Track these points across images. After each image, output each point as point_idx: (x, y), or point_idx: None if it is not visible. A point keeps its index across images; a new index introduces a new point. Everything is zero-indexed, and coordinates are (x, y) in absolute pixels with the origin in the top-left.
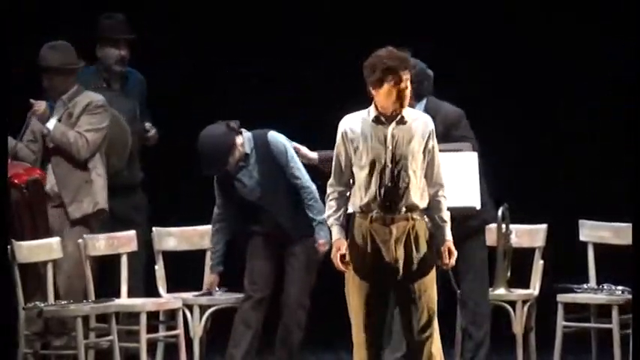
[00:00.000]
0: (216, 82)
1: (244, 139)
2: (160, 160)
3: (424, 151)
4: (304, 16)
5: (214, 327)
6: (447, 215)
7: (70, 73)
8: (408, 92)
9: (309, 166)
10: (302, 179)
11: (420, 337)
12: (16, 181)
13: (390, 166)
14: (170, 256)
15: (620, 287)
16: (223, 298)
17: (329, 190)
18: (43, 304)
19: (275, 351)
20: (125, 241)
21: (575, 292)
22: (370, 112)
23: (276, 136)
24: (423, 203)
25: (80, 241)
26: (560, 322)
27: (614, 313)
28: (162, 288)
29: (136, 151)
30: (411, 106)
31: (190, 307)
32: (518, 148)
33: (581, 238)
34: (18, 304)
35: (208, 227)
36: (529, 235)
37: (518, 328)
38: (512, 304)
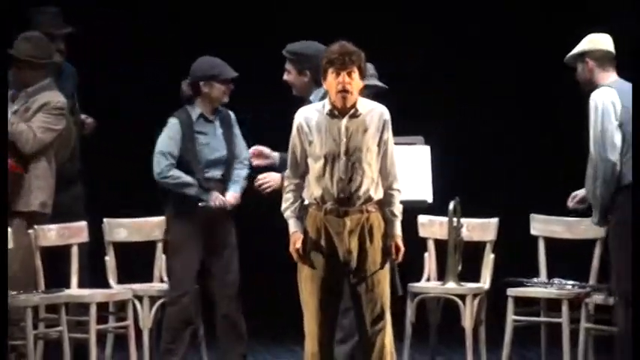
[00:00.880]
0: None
1: None
2: (108, 152)
3: (379, 143)
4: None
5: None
6: (398, 209)
7: (37, 67)
8: (352, 85)
9: (270, 168)
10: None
11: (372, 329)
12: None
13: (344, 158)
14: (121, 248)
15: (570, 282)
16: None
17: (285, 182)
18: None
19: (222, 345)
20: (76, 231)
21: (526, 286)
22: (325, 105)
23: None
24: (377, 195)
25: (31, 231)
26: (510, 316)
27: (564, 307)
28: (112, 279)
29: (77, 142)
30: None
31: (140, 299)
32: (469, 141)
33: (532, 232)
34: None
35: (159, 219)
36: (480, 228)
37: (468, 321)
38: (463, 297)
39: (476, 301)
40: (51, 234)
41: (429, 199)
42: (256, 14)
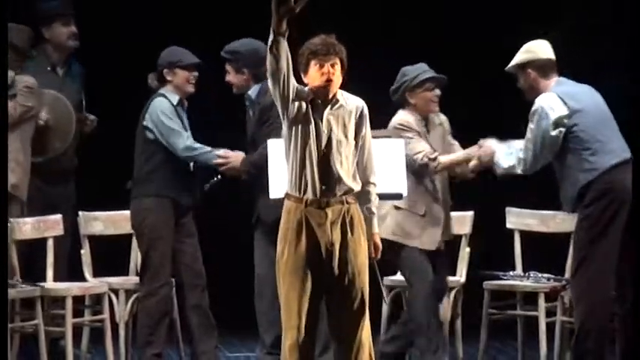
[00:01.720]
0: None
1: None
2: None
3: (356, 136)
4: None
5: None
6: (374, 205)
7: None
8: (335, 76)
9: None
10: None
11: (351, 322)
12: None
13: (324, 149)
14: (96, 241)
15: (545, 275)
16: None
17: None
18: None
19: (195, 336)
20: (52, 224)
21: (502, 279)
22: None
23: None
24: (357, 186)
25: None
26: (487, 309)
27: (540, 300)
28: (88, 272)
29: (76, 138)
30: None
31: (116, 292)
32: None
33: (508, 225)
34: None
35: None
36: (456, 222)
37: (444, 314)
38: None
39: (452, 294)
40: (26, 227)
41: (404, 193)
42: (256, 14)
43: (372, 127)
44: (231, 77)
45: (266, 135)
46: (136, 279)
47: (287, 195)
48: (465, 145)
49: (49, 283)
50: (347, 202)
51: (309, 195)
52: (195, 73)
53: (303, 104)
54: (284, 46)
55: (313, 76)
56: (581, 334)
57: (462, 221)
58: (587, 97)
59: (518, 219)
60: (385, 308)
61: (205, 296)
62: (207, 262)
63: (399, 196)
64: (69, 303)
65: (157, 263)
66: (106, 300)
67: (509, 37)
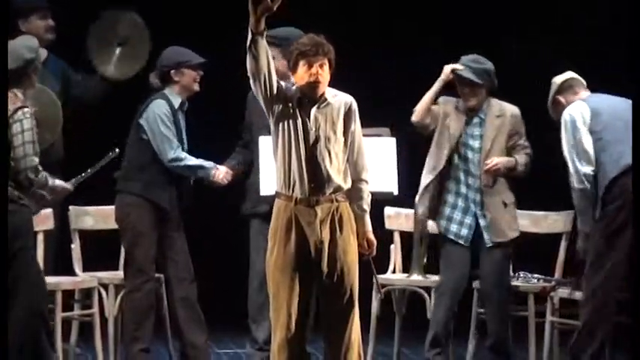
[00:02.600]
0: None
1: None
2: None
3: (345, 133)
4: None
5: None
6: (367, 203)
7: None
8: (323, 76)
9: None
10: None
11: (340, 319)
12: None
13: (312, 148)
14: (86, 235)
15: (535, 275)
16: None
17: None
18: None
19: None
20: (42, 219)
21: None
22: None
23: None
24: (346, 185)
25: None
26: (476, 309)
27: (530, 301)
28: (77, 267)
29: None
30: None
31: (106, 287)
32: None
33: None
34: None
35: None
36: None
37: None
38: (428, 289)
39: None
40: None
41: (395, 191)
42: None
43: (370, 126)
44: (279, 64)
45: None
46: None
47: (277, 193)
48: None
49: None
50: (336, 201)
51: (298, 193)
52: (201, 72)
53: (290, 102)
54: (263, 44)
55: (301, 76)
56: (584, 332)
57: None
58: (612, 104)
59: None
60: (375, 306)
61: (194, 290)
62: (196, 259)
63: (389, 195)
64: (59, 297)
65: (141, 259)
66: (95, 294)
67: (509, 38)
